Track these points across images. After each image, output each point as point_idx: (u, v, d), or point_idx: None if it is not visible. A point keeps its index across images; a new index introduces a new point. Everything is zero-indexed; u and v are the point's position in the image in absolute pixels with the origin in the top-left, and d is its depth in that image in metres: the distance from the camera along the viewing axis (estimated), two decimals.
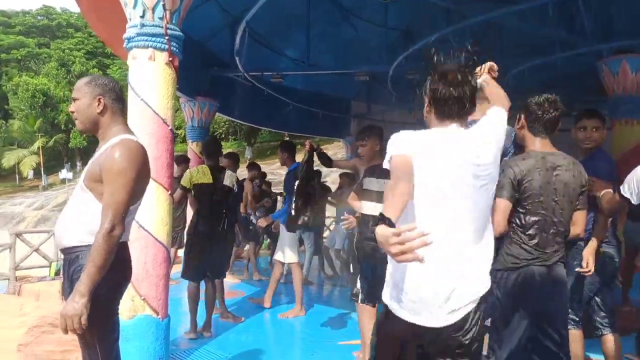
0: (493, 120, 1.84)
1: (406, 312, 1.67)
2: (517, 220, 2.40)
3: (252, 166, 7.04)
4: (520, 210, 2.39)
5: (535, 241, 2.37)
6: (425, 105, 1.78)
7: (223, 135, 30.86)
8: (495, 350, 2.42)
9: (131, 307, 3.44)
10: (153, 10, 3.48)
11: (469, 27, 5.45)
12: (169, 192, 3.63)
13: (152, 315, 3.48)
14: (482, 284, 1.70)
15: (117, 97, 2.19)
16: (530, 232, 2.37)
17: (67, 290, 2.09)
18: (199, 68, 7.29)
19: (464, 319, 1.65)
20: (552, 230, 2.37)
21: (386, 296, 1.77)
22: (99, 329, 2.05)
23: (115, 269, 2.06)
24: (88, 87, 2.17)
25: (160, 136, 3.55)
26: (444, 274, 1.62)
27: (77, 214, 2.10)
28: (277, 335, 4.57)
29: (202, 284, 4.44)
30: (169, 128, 3.61)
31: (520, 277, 2.37)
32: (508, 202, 2.35)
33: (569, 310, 2.70)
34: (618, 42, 5.42)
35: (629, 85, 5.59)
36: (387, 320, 1.76)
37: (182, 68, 3.75)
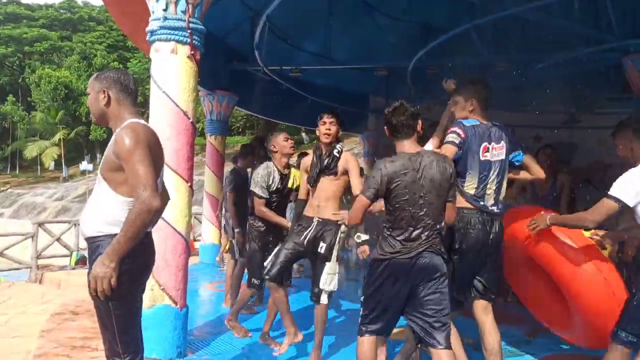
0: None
1: None
2: (388, 217, 2.62)
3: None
4: (390, 208, 2.60)
5: (402, 237, 2.56)
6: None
7: (240, 130, 31.00)
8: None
9: (151, 296, 3.49)
10: (176, 3, 3.51)
11: (492, 22, 5.37)
12: (189, 184, 3.67)
13: (171, 305, 3.53)
14: None
15: (123, 89, 2.22)
16: (398, 228, 2.57)
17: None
18: (218, 62, 7.32)
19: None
20: (420, 225, 2.55)
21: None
22: (120, 316, 2.09)
23: (138, 257, 2.10)
24: (94, 82, 2.25)
25: (181, 129, 3.59)
26: None
27: (96, 205, 2.15)
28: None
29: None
30: (190, 121, 3.65)
31: (384, 269, 2.58)
32: (368, 201, 2.59)
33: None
34: None
35: None
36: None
37: (202, 62, 3.78)
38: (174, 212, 3.57)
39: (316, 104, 9.12)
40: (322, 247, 3.43)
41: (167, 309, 3.50)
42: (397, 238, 2.56)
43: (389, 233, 2.60)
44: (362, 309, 2.70)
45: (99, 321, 2.15)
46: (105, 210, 2.09)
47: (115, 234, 2.02)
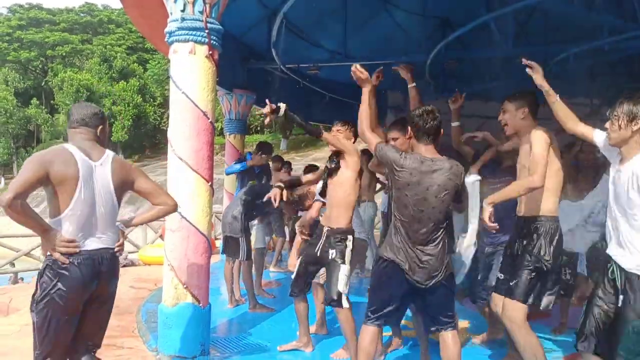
0: None
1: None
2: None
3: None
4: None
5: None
6: None
7: (259, 128, 31.15)
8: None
9: (174, 294, 3.54)
10: (193, 4, 3.53)
11: (512, 13, 5.28)
12: (210, 183, 3.70)
13: (194, 303, 3.57)
14: None
15: (69, 122, 2.50)
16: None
17: None
18: (236, 61, 7.35)
19: None
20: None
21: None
22: (38, 329, 2.31)
23: (54, 284, 2.26)
24: None
25: (200, 128, 3.62)
26: None
27: None
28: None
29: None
30: (209, 120, 3.67)
31: None
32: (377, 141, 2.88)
33: None
34: None
35: None
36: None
37: (220, 61, 3.79)
38: (196, 212, 3.61)
39: (334, 100, 9.12)
40: (332, 254, 3.37)
41: (190, 307, 3.54)
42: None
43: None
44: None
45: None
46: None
47: (48, 255, 2.29)
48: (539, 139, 2.82)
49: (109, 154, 2.42)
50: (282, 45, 6.48)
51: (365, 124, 2.95)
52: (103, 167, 2.35)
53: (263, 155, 5.66)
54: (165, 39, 3.71)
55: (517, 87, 3.17)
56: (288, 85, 8.16)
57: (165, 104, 39.66)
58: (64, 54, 45.46)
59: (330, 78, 8.84)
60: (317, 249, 3.47)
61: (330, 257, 3.38)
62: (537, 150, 2.79)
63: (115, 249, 2.40)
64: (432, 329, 2.81)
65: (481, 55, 6.35)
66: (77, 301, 2.30)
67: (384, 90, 9.71)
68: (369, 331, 2.77)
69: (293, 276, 3.64)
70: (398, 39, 7.34)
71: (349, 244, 3.39)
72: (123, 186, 2.44)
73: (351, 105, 9.28)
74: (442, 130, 2.77)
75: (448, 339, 2.72)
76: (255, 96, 7.99)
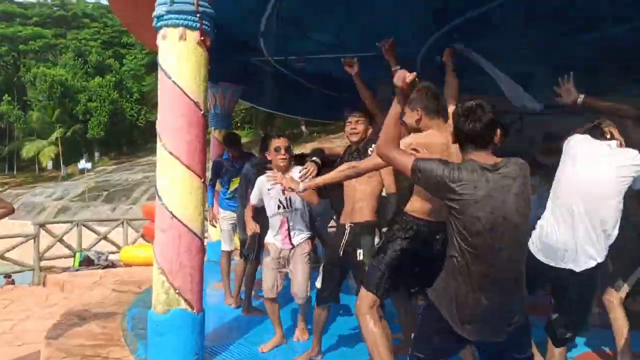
0: None
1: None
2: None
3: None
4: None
5: None
6: None
7: (239, 124, 30.74)
8: None
9: (166, 300, 3.27)
10: None
11: (511, 3, 5.11)
12: (202, 179, 3.44)
13: (187, 310, 3.30)
14: None
15: None
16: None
17: None
18: (222, 52, 7.04)
19: None
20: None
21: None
22: None
23: None
24: None
25: (192, 120, 3.35)
26: None
27: None
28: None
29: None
30: (202, 112, 3.41)
31: None
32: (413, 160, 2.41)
33: None
34: None
35: None
36: None
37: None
38: (188, 210, 3.34)
39: (323, 95, 8.89)
40: (360, 254, 3.06)
41: (184, 314, 3.28)
42: None
43: None
44: None
45: None
46: None
47: None
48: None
49: None
50: (272, 37, 6.22)
51: (389, 141, 2.13)
52: None
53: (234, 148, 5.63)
54: (153, 24, 3.43)
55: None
56: (276, 79, 7.90)
57: (142, 100, 38.87)
58: (37, 48, 44.29)
59: (321, 71, 8.60)
60: (340, 248, 3.14)
61: (358, 259, 3.05)
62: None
63: None
64: None
65: (481, 46, 6.17)
66: None
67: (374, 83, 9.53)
68: None
69: (319, 283, 3.30)
70: (394, 29, 7.14)
71: (377, 238, 3.06)
72: None
73: (340, 98, 9.07)
74: (498, 131, 2.05)
75: None
76: (241, 89, 7.71)
